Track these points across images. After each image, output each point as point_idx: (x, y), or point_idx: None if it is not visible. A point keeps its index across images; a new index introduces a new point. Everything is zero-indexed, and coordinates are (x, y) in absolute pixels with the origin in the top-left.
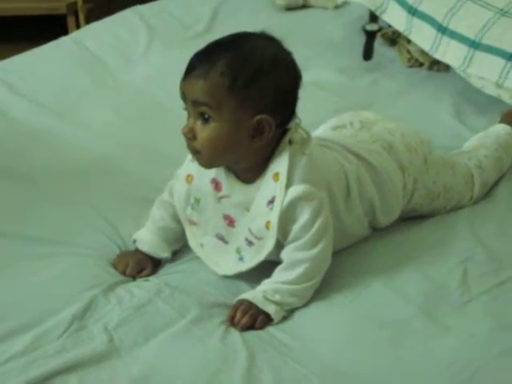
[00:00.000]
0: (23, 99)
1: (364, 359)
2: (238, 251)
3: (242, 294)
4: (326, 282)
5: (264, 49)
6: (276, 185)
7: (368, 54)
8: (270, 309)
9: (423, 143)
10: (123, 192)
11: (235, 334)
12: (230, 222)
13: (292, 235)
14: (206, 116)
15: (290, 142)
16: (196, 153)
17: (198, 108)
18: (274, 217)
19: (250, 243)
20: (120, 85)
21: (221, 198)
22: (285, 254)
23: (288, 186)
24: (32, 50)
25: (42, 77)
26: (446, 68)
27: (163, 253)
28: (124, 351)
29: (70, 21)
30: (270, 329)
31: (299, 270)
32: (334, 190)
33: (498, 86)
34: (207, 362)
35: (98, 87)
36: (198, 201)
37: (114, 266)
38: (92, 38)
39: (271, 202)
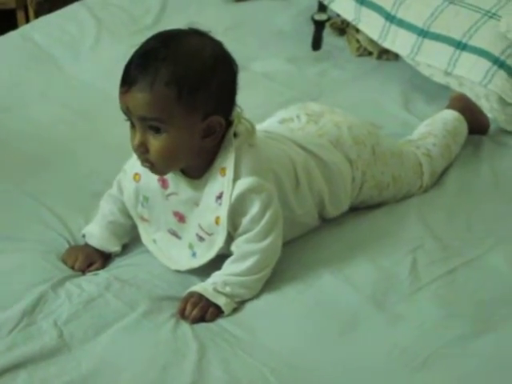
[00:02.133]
0: None
1: (314, 350)
2: (191, 246)
3: (192, 286)
4: (277, 274)
5: (201, 49)
6: (223, 180)
7: (317, 43)
8: (220, 301)
9: (371, 134)
10: (72, 185)
11: (186, 327)
12: (181, 218)
13: (242, 227)
14: (156, 128)
15: (235, 135)
16: (150, 164)
17: (147, 122)
18: (223, 212)
19: (200, 239)
20: (68, 78)
21: (168, 195)
22: (235, 247)
23: (236, 179)
24: None
25: None
26: (395, 57)
27: (113, 247)
28: (74, 346)
29: (20, 15)
30: (221, 321)
31: (249, 261)
32: (283, 181)
33: (447, 73)
34: (158, 355)
35: (47, 81)
36: (146, 199)
37: (64, 260)
38: (40, 32)
39: (219, 197)
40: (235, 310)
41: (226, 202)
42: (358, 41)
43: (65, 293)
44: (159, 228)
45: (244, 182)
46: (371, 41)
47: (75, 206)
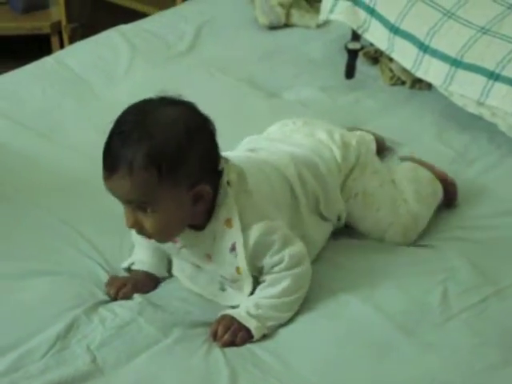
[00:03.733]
0: (5, 119)
1: (346, 379)
2: (221, 284)
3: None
4: (306, 301)
5: (173, 122)
6: (231, 231)
7: (350, 72)
8: (251, 324)
9: (360, 144)
10: (105, 211)
11: (218, 353)
12: (198, 266)
13: (266, 267)
14: (144, 208)
15: (228, 183)
16: (149, 237)
17: (132, 205)
18: (241, 262)
19: (229, 286)
20: (103, 104)
21: (180, 248)
22: (265, 272)
23: (245, 229)
24: (15, 70)
25: (25, 97)
26: (428, 86)
27: (163, 272)
28: (107, 371)
29: (54, 41)
30: (253, 347)
31: (282, 285)
32: (284, 210)
33: (480, 103)
34: (190, 380)
35: (81, 107)
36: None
37: (109, 288)
38: (75, 57)
39: (233, 248)
40: (266, 337)
41: (241, 252)
42: (391, 70)
43: (98, 317)
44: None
45: (256, 230)
46: (404, 70)
47: (108, 231)
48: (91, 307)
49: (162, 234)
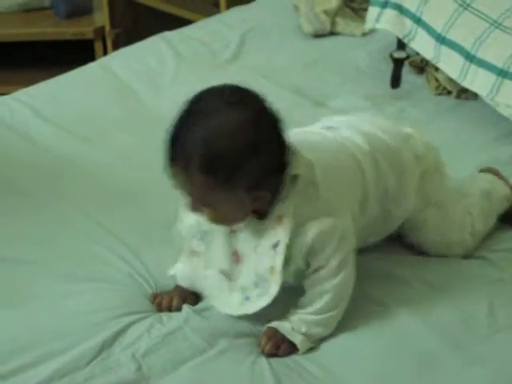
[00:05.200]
0: (49, 124)
1: None
2: (244, 290)
3: (272, 322)
4: (351, 311)
5: (238, 125)
6: (279, 228)
7: (396, 81)
8: (297, 339)
9: (438, 154)
10: (148, 219)
11: (264, 363)
12: (237, 258)
13: (313, 266)
14: (202, 204)
15: (296, 177)
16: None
17: (189, 196)
18: (278, 262)
19: (255, 284)
20: (147, 111)
21: (233, 231)
22: (307, 286)
23: (299, 225)
24: (59, 75)
25: (69, 103)
26: (474, 96)
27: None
28: (152, 379)
29: (98, 46)
30: (298, 358)
31: (323, 300)
32: (353, 207)
33: None
34: None
35: (126, 113)
36: (206, 233)
37: (157, 303)
38: (119, 63)
39: (276, 245)
40: (312, 348)
41: (280, 253)
42: (437, 79)
43: (144, 326)
44: (211, 265)
45: (314, 227)
46: (450, 80)
47: (152, 239)
48: (137, 316)
49: (219, 224)
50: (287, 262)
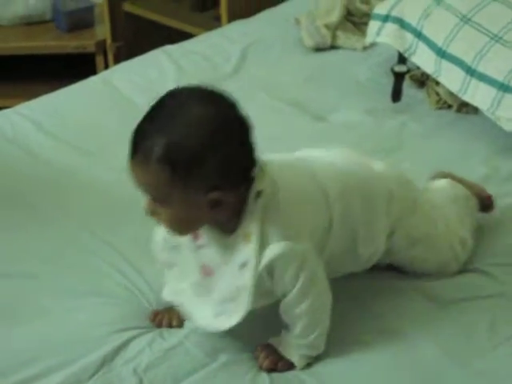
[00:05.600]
0: (51, 138)
1: None
2: (217, 304)
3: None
4: (353, 326)
5: (202, 120)
6: (248, 247)
7: (396, 95)
8: (294, 357)
9: (413, 186)
10: (150, 235)
11: (264, 378)
12: (207, 272)
13: (280, 290)
14: (158, 202)
15: (259, 193)
16: (165, 227)
17: (147, 194)
18: (247, 282)
19: (226, 300)
20: None
21: (199, 247)
22: (281, 312)
23: (264, 245)
24: (61, 89)
25: (70, 116)
26: (475, 110)
27: None
28: None
29: (99, 59)
30: (300, 373)
31: (299, 326)
32: (315, 233)
33: None
34: None
35: (127, 127)
36: (174, 247)
37: (157, 321)
38: (121, 77)
39: (243, 265)
40: (314, 363)
41: (250, 272)
42: (437, 93)
43: (145, 341)
44: (182, 279)
45: (273, 250)
46: (451, 94)
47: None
48: (138, 330)
49: (175, 230)
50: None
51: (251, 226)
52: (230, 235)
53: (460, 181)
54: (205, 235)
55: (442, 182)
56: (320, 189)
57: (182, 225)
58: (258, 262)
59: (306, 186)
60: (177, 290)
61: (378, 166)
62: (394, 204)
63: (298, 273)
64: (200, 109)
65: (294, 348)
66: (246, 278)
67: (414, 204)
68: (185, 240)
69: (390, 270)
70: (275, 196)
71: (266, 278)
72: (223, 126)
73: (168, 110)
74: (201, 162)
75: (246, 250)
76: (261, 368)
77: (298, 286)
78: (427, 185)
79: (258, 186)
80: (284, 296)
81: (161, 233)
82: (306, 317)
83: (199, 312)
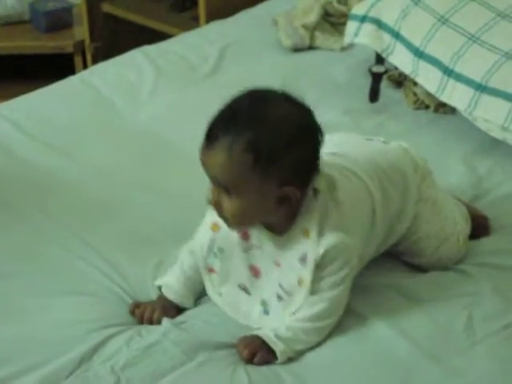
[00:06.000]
0: (30, 138)
1: None
2: (264, 304)
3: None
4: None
5: (286, 118)
6: (307, 241)
7: (374, 95)
8: (278, 347)
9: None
10: (128, 233)
11: (242, 375)
12: (256, 272)
13: (318, 276)
14: (229, 191)
15: (316, 191)
16: (225, 219)
17: (220, 184)
18: (307, 274)
19: (279, 298)
20: (126, 125)
21: (249, 248)
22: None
23: (319, 237)
24: (39, 89)
25: (49, 116)
26: (452, 110)
27: (188, 303)
28: None
29: (77, 60)
30: (278, 370)
31: (316, 308)
32: (364, 229)
33: (504, 129)
34: None
35: (105, 127)
36: (222, 250)
37: (138, 313)
38: (99, 77)
39: (303, 259)
40: (292, 360)
41: (310, 265)
42: (415, 94)
43: (123, 339)
44: (227, 281)
45: (328, 241)
46: (428, 94)
47: (131, 253)
48: (116, 328)
49: (237, 221)
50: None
51: (310, 223)
52: (281, 235)
53: (458, 199)
54: (255, 236)
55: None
56: (360, 180)
57: (246, 217)
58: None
59: (354, 183)
60: (213, 293)
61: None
62: (418, 173)
63: (342, 267)
64: (286, 108)
65: (290, 332)
66: (306, 270)
67: (430, 173)
68: (233, 242)
69: (365, 268)
70: (335, 195)
71: (318, 267)
72: (307, 127)
73: (251, 104)
74: (282, 156)
75: (305, 243)
76: (241, 357)
77: (335, 277)
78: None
79: (315, 184)
80: (318, 282)
81: (207, 237)
82: (327, 303)
83: (245, 311)
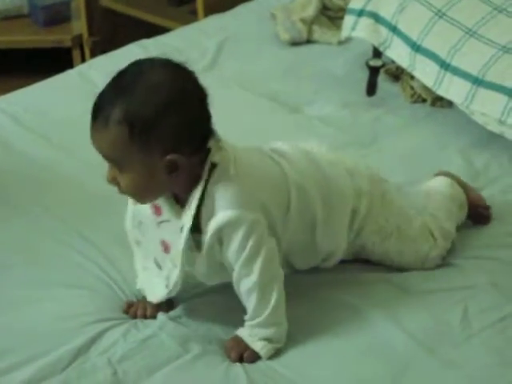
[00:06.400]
0: (28, 132)
1: None
2: (167, 278)
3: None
4: (326, 314)
5: (160, 84)
6: (187, 213)
7: (371, 89)
8: (256, 346)
9: (384, 181)
10: (123, 229)
11: (238, 369)
12: (166, 248)
13: (228, 263)
14: (118, 166)
15: (213, 165)
16: (126, 195)
17: (107, 160)
18: (179, 246)
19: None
20: None
21: (160, 222)
22: (234, 287)
23: (214, 213)
24: (37, 83)
25: (48, 110)
26: (449, 104)
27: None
28: None
29: (75, 54)
30: (273, 363)
31: (252, 301)
32: (271, 210)
33: (501, 122)
34: None
35: None
36: (140, 223)
37: (131, 312)
38: (97, 71)
39: (181, 230)
40: (287, 352)
41: (183, 236)
42: (412, 87)
43: (120, 332)
44: (147, 255)
45: (221, 217)
46: (425, 88)
47: (128, 247)
48: (113, 321)
49: (133, 195)
50: (202, 249)
51: (194, 194)
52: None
53: (463, 185)
54: (166, 210)
55: (443, 179)
56: (281, 171)
57: (141, 191)
58: (209, 228)
59: (265, 166)
60: (141, 268)
61: (350, 162)
62: (362, 200)
63: (245, 241)
64: (160, 75)
65: (254, 332)
66: (180, 242)
67: (383, 198)
68: (147, 216)
69: (362, 262)
70: (228, 168)
71: (217, 249)
72: (181, 92)
73: (129, 76)
74: (158, 123)
75: (186, 215)
76: (230, 361)
77: (244, 254)
78: (427, 181)
79: (212, 157)
80: (233, 269)
81: (130, 210)
82: (256, 289)
83: (155, 288)
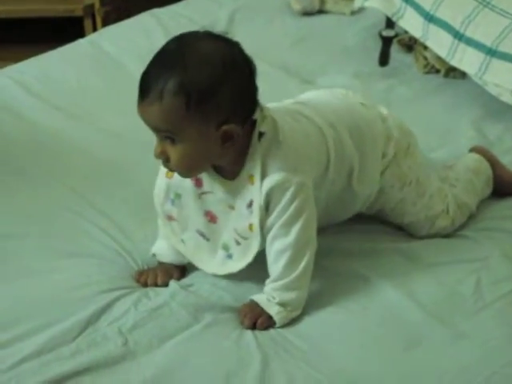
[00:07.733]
0: (40, 101)
1: (378, 365)
2: (226, 248)
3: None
4: (338, 286)
5: (211, 56)
6: (252, 188)
7: (384, 59)
8: (272, 310)
9: (410, 134)
10: (135, 197)
11: (250, 337)
12: (212, 218)
13: (269, 224)
14: (171, 138)
15: (261, 134)
16: (173, 171)
17: (160, 133)
18: (255, 219)
19: (237, 243)
20: (136, 87)
21: (202, 194)
22: (266, 248)
23: (262, 180)
24: (49, 51)
25: (59, 79)
26: (463, 75)
27: (185, 259)
28: (138, 354)
29: (87, 23)
30: (284, 332)
31: (282, 261)
32: (315, 167)
33: None
34: (221, 364)
35: (115, 90)
36: (178, 196)
37: (142, 280)
38: (109, 40)
39: (250, 205)
40: (299, 322)
41: (256, 210)
42: (425, 58)
43: (131, 301)
44: (187, 228)
45: (270, 180)
46: (439, 58)
47: (140, 217)
48: (123, 291)
49: (184, 167)
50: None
51: (254, 168)
52: (233, 180)
53: (494, 161)
54: (207, 182)
55: (472, 154)
56: (317, 128)
57: (193, 162)
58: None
59: (303, 127)
60: (177, 242)
61: (383, 109)
62: (390, 144)
63: (290, 202)
64: (208, 46)
65: (274, 294)
66: (254, 216)
67: (407, 149)
68: (187, 188)
69: (371, 232)
70: (277, 136)
71: (264, 213)
72: (233, 62)
73: (175, 50)
74: (214, 93)
75: (251, 190)
76: (243, 326)
77: (286, 214)
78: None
79: (260, 128)
80: (271, 228)
81: (163, 184)
82: (290, 250)
83: (207, 257)
